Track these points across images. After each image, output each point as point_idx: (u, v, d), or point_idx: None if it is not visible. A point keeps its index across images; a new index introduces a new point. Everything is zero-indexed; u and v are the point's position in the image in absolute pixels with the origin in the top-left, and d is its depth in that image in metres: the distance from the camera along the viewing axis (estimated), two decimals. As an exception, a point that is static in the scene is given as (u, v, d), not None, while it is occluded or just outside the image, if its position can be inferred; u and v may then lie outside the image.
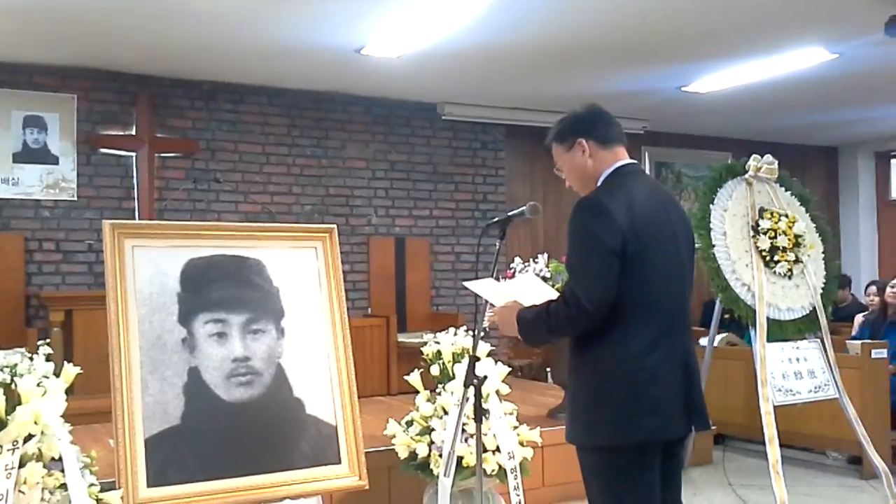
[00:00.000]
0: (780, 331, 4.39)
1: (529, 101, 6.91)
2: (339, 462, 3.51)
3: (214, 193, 6.08)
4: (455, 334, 3.74)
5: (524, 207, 2.54)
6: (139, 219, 5.62)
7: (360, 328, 5.95)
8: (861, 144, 9.57)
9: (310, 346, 3.62)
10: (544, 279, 4.75)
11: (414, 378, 3.72)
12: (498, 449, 3.46)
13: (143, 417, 3.19)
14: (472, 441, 3.42)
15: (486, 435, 3.45)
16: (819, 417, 5.07)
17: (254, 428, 3.38)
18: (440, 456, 3.41)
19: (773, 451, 4.09)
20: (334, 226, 3.84)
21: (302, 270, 3.73)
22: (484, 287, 2.52)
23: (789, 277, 4.45)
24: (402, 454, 3.54)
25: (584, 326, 2.11)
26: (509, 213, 2.58)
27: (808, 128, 8.65)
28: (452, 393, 3.52)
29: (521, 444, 3.57)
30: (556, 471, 4.24)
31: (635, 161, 2.32)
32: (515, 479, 3.41)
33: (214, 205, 6.08)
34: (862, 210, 9.89)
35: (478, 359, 2.60)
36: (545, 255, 4.96)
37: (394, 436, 3.61)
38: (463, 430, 3.44)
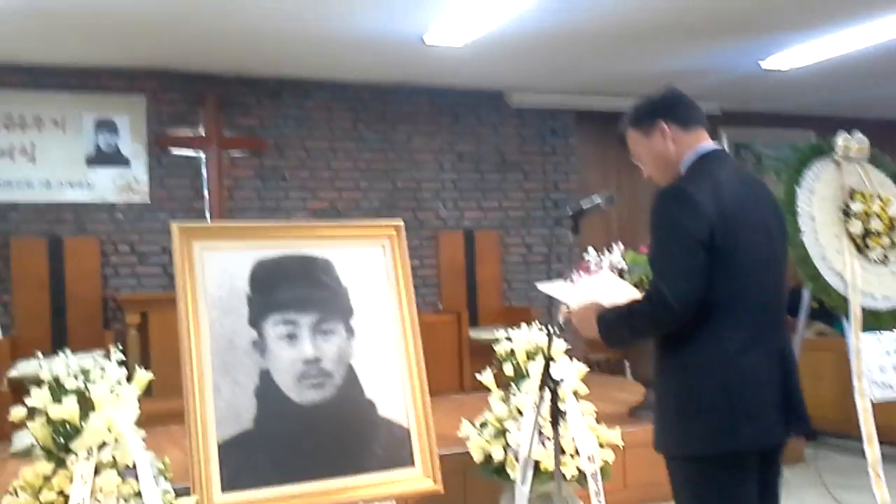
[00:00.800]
0: (876, 321, 4.14)
1: (599, 85, 6.72)
2: (413, 465, 3.46)
3: (283, 191, 6.10)
4: (529, 330, 3.64)
5: (598, 199, 2.42)
6: (210, 219, 5.68)
7: (430, 324, 5.87)
8: None
9: (380, 346, 3.58)
10: (620, 272, 4.60)
11: (487, 377, 3.63)
12: (577, 452, 3.35)
13: (216, 421, 3.19)
14: (550, 444, 3.32)
15: (563, 437, 3.34)
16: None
17: (326, 431, 3.36)
18: (516, 460, 3.32)
19: (872, 450, 3.86)
20: (401, 221, 3.79)
21: (370, 268, 3.69)
22: (559, 289, 2.42)
23: (885, 264, 4.19)
24: (477, 457, 3.46)
25: (670, 326, 1.98)
26: (583, 206, 2.46)
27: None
28: (527, 393, 3.42)
29: (602, 446, 3.46)
30: (638, 472, 4.10)
31: (719, 145, 2.17)
32: (596, 483, 3.30)
33: (283, 202, 6.10)
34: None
35: (552, 360, 2.50)
36: (620, 245, 4.80)
37: (468, 438, 3.53)
38: (540, 433, 3.35)
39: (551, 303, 2.45)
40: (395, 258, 3.73)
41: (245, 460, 3.20)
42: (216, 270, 3.40)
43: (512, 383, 3.55)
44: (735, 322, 1.99)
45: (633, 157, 2.27)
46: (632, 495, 4.17)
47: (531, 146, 6.92)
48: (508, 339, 3.64)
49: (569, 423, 3.39)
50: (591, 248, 4.85)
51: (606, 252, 4.80)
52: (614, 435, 3.50)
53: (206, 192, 5.80)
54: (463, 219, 6.65)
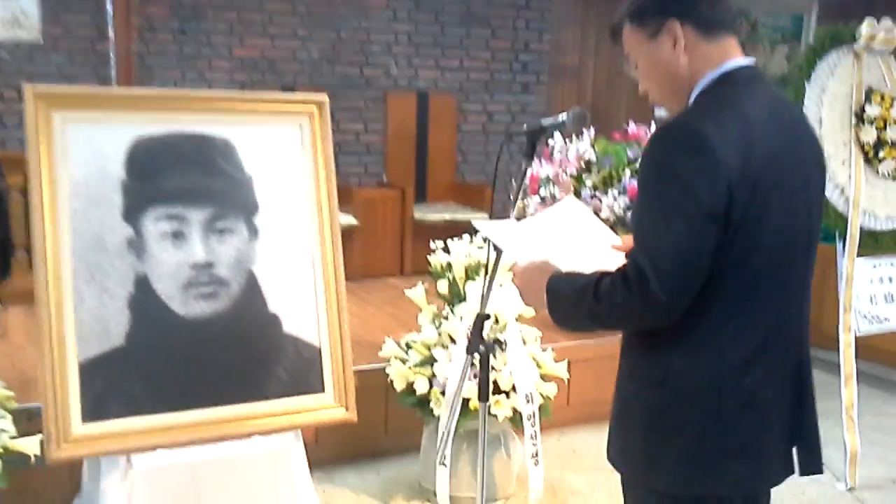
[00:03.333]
0: (875, 244, 3.69)
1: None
2: (323, 390, 3.01)
3: (205, 35, 5.31)
4: (471, 241, 3.11)
5: (564, 117, 1.83)
6: (116, 66, 4.92)
7: (371, 199, 5.34)
8: None
9: (290, 250, 3.03)
10: (587, 163, 4.05)
11: (416, 293, 3.14)
12: (514, 389, 2.91)
13: (78, 337, 2.67)
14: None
15: (500, 371, 2.90)
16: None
17: (218, 350, 2.87)
18: (442, 394, 2.89)
19: (850, 392, 3.52)
20: (325, 96, 3.14)
21: (282, 153, 3.08)
22: (502, 231, 1.86)
23: (894, 178, 3.69)
24: (399, 385, 3.03)
25: (651, 322, 1.48)
26: (544, 124, 1.87)
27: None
28: (461, 319, 2.94)
29: (544, 378, 3.03)
30: (582, 388, 3.74)
31: (752, 61, 1.57)
32: (533, 426, 2.90)
33: (205, 49, 5.33)
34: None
35: (486, 318, 1.98)
36: (591, 131, 4.22)
37: (388, 362, 3.08)
38: (472, 365, 2.89)
39: (491, 251, 1.89)
40: (314, 141, 3.12)
41: (113, 384, 2.71)
42: (82, 149, 2.77)
43: (446, 304, 3.06)
44: (743, 323, 1.49)
45: (627, 64, 1.67)
46: (575, 414, 3.84)
47: (502, -2, 6.13)
48: (445, 250, 3.12)
49: (508, 355, 2.94)
50: (556, 134, 4.25)
51: (573, 139, 4.22)
52: (560, 368, 3.07)
53: (110, 32, 5.00)
54: (417, 78, 5.95)
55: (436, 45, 5.95)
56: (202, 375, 2.83)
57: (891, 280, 3.79)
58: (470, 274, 3.04)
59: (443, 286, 3.08)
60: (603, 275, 1.50)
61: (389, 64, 5.81)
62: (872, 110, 3.59)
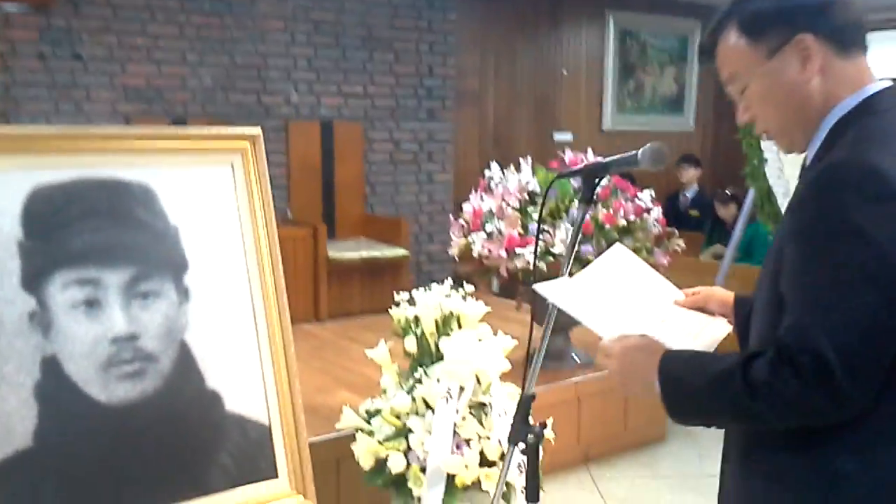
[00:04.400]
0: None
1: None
2: (276, 475, 2.56)
3: (81, 64, 4.70)
4: (447, 292, 2.75)
5: (639, 153, 1.52)
6: (-27, 96, 4.25)
7: (280, 239, 4.85)
8: None
9: (228, 312, 2.57)
10: (530, 195, 3.78)
11: (379, 353, 2.74)
12: (503, 458, 2.56)
13: (-29, 442, 2.13)
14: (468, 450, 2.52)
15: (488, 439, 2.55)
16: None
17: (149, 441, 2.37)
18: (423, 471, 2.50)
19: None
20: (258, 130, 2.72)
21: (212, 198, 2.62)
22: (571, 295, 1.52)
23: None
24: (366, 463, 2.61)
25: (831, 420, 1.17)
26: (611, 159, 1.57)
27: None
28: (439, 381, 2.57)
29: (528, 441, 2.69)
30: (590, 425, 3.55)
31: (890, 82, 1.30)
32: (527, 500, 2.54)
33: (82, 77, 4.72)
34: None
35: (533, 398, 1.65)
36: (528, 160, 3.95)
37: (353, 436, 2.67)
38: (455, 434, 2.53)
39: (543, 313, 1.56)
40: (248, 183, 2.69)
41: (20, 498, 2.17)
42: (-36, 203, 2.23)
43: (418, 366, 2.67)
44: None
45: (727, 86, 1.36)
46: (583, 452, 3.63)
47: (404, 20, 5.82)
48: (410, 301, 2.74)
49: (492, 420, 2.59)
50: (493, 164, 3.97)
51: (508, 170, 3.94)
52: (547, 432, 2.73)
53: (-34, 59, 4.33)
54: (319, 106, 5.53)
55: (338, 70, 5.56)
56: (131, 474, 2.33)
57: None
58: (442, 328, 2.67)
59: (411, 344, 2.69)
60: (747, 359, 1.19)
61: (289, 91, 5.36)
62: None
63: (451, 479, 2.49)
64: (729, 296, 1.58)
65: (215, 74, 5.09)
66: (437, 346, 2.66)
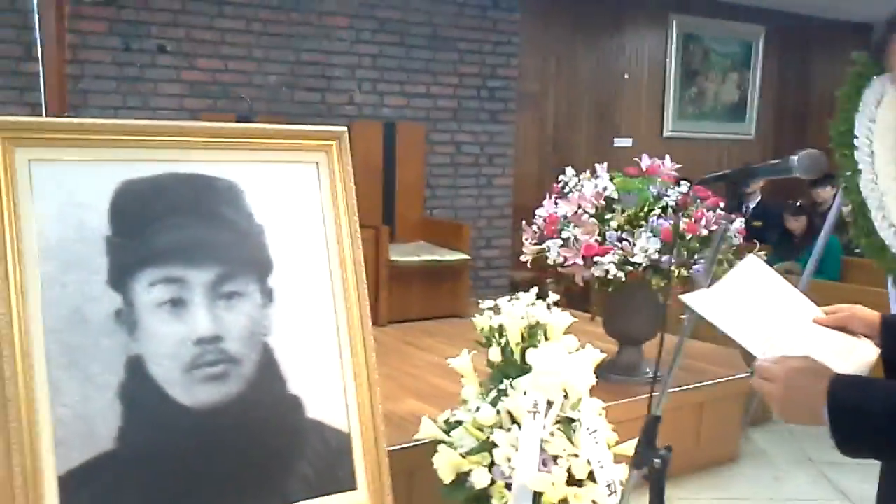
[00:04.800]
0: (927, 285, 3.44)
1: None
2: (355, 487, 2.48)
3: (149, 55, 4.68)
4: (523, 300, 2.65)
5: (795, 159, 1.42)
6: (44, 89, 4.24)
7: (341, 241, 4.79)
8: None
9: (311, 316, 2.51)
10: (608, 201, 3.66)
11: (462, 363, 2.65)
12: (591, 478, 2.46)
13: (55, 442, 2.08)
14: (556, 467, 2.42)
15: (576, 457, 2.44)
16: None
17: (229, 446, 2.31)
18: (507, 488, 2.40)
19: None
20: (344, 129, 2.65)
21: (297, 198, 2.56)
22: (715, 305, 1.43)
23: (945, 213, 3.44)
24: (447, 477, 2.52)
25: None
26: (761, 165, 1.47)
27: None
28: (526, 393, 2.47)
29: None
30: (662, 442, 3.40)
31: None
32: (615, 521, 2.44)
33: (149, 71, 4.70)
34: None
35: (658, 420, 1.55)
36: (604, 166, 3.84)
37: (427, 447, 2.59)
38: (541, 451, 2.44)
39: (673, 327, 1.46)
40: (334, 183, 2.62)
41: (104, 499, 2.12)
42: (54, 196, 2.19)
43: (504, 378, 2.58)
44: None
45: None
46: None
47: (469, 19, 5.73)
48: (493, 309, 2.65)
49: (580, 437, 2.49)
50: (568, 169, 3.86)
51: (584, 175, 3.83)
52: (629, 447, 2.62)
53: (39, 51, 4.32)
54: (383, 106, 5.46)
55: (401, 70, 5.49)
56: (213, 479, 2.27)
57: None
58: (528, 339, 2.58)
59: (495, 354, 2.60)
60: None
61: (353, 90, 5.30)
62: (926, 142, 3.34)
63: (536, 497, 2.40)
64: (874, 315, 1.47)
65: (280, 71, 5.05)
66: (522, 356, 2.56)
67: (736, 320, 1.41)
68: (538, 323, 2.58)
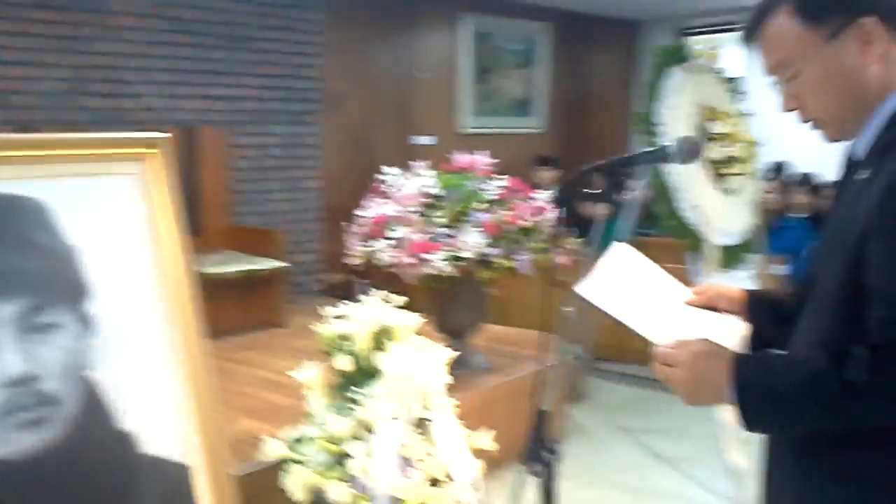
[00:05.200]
0: (725, 258, 3.70)
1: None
2: (203, 520, 2.27)
3: None
4: (369, 303, 2.54)
5: (671, 146, 1.43)
6: None
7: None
8: (663, 20, 9.03)
9: (139, 341, 2.26)
10: (435, 197, 3.63)
11: (308, 375, 2.51)
12: (450, 477, 2.40)
13: None
14: (415, 472, 2.34)
15: (434, 458, 2.38)
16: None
17: (58, 496, 2.03)
18: (368, 500, 2.29)
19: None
20: (167, 135, 2.42)
21: (117, 213, 2.30)
22: (611, 292, 1.42)
23: (737, 194, 3.73)
24: (301, 495, 2.37)
25: None
26: (638, 153, 1.47)
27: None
28: (380, 401, 2.37)
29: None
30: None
31: None
32: (479, 519, 2.41)
33: None
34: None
35: (545, 415, 1.52)
36: (424, 163, 3.81)
37: (270, 469, 2.42)
38: (399, 456, 2.35)
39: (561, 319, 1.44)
40: (157, 194, 2.38)
41: None
42: None
43: (350, 385, 2.46)
44: None
45: (775, 72, 1.28)
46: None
47: (271, 18, 5.48)
48: (340, 317, 2.52)
49: (433, 435, 2.43)
50: (387, 168, 3.79)
51: (404, 174, 3.77)
52: (485, 439, 2.61)
53: None
54: (179, 110, 5.10)
55: (200, 72, 5.15)
56: (39, 538, 1.98)
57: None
58: (378, 344, 2.47)
59: (344, 363, 2.47)
60: (836, 358, 1.11)
61: (147, 94, 4.91)
62: (718, 127, 3.59)
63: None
64: (737, 293, 1.52)
65: (65, 75, 4.56)
66: (370, 363, 2.46)
67: (626, 308, 1.40)
68: (386, 327, 2.49)
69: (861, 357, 1.10)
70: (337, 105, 6.20)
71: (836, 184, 1.38)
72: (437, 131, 7.17)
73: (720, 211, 3.60)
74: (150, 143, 2.38)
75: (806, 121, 1.30)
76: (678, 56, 3.63)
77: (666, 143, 1.48)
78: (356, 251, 3.61)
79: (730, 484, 3.35)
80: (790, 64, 1.24)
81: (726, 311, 1.51)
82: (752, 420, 1.20)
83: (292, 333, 4.73)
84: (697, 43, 3.76)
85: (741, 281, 3.89)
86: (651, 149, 1.51)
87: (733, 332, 1.47)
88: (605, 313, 1.40)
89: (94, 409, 2.13)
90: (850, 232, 1.18)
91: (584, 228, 6.23)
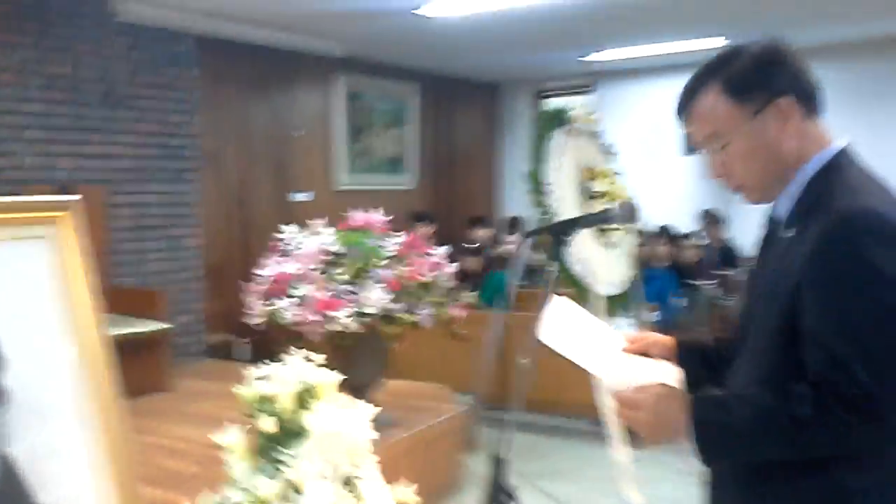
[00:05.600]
0: (609, 308, 3.91)
1: (226, 6, 5.45)
2: None
3: None
4: (292, 362, 2.51)
5: (613, 209, 1.56)
6: None
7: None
8: (521, 83, 9.50)
9: (55, 414, 2.13)
10: (335, 255, 3.64)
11: (230, 438, 2.43)
12: (381, 534, 2.39)
13: None
14: (349, 531, 2.31)
15: (363, 517, 2.36)
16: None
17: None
18: (303, 564, 2.24)
19: (619, 447, 3.61)
20: (77, 197, 2.32)
21: (24, 280, 2.17)
22: (564, 339, 1.51)
23: (615, 247, 3.96)
24: (230, 566, 2.27)
25: (871, 444, 1.27)
26: (582, 216, 1.59)
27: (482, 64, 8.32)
28: (308, 460, 2.33)
29: (393, 511, 2.55)
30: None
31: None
32: (410, 573, 2.40)
33: None
34: (520, 148, 10.00)
35: (504, 463, 1.59)
36: (324, 220, 3.82)
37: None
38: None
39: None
40: (64, 257, 2.28)
41: None
42: None
43: (276, 445, 2.41)
44: None
45: (705, 143, 1.42)
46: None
47: (146, 76, 5.36)
48: (262, 378, 2.47)
49: (364, 494, 2.41)
50: (287, 227, 3.78)
51: (303, 231, 3.77)
52: (408, 492, 2.61)
53: None
54: (55, 168, 4.87)
55: (75, 129, 4.95)
56: None
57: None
58: (302, 403, 2.44)
59: (268, 423, 2.42)
60: (783, 394, 1.25)
61: (21, 152, 4.65)
62: (599, 186, 3.82)
63: (336, 567, 2.27)
64: (668, 340, 1.65)
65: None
66: (298, 423, 2.42)
67: (582, 354, 1.50)
68: (309, 385, 2.46)
69: (804, 394, 1.24)
70: (214, 162, 6.10)
71: (761, 239, 1.53)
72: (314, 187, 7.18)
73: (603, 263, 3.81)
74: (59, 207, 2.29)
75: (732, 186, 1.45)
76: (559, 119, 3.85)
77: (608, 207, 1.59)
78: (257, 310, 3.55)
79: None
80: (720, 136, 1.40)
81: (660, 357, 1.63)
82: (709, 452, 1.32)
83: (180, 397, 4.57)
84: (576, 107, 3.97)
85: (624, 328, 4.12)
86: (596, 213, 1.62)
87: (670, 377, 1.59)
88: (566, 358, 1.49)
89: (11, 486, 1.99)
90: (784, 284, 1.33)
91: (465, 282, 6.37)
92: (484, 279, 6.29)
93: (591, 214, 1.65)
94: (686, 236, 6.48)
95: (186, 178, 5.63)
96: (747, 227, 7.94)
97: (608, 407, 3.31)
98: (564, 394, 4.71)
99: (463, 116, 9.12)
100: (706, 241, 6.68)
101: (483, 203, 9.42)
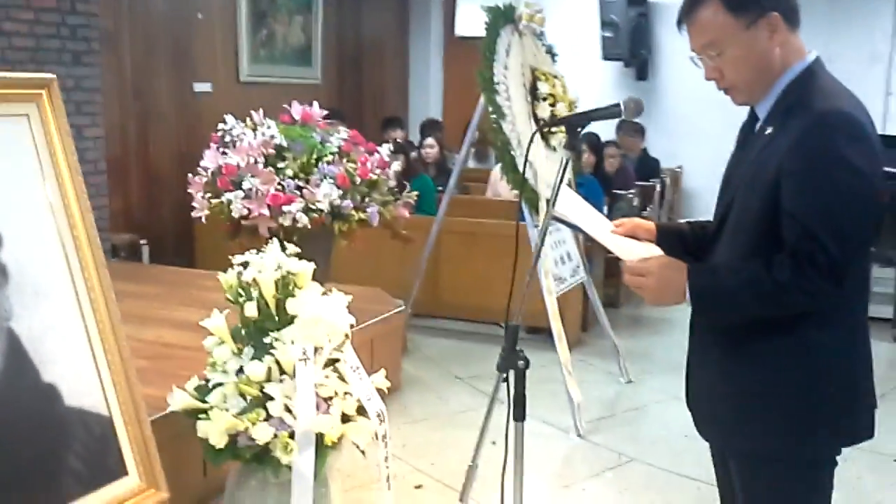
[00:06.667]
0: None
1: None
2: (126, 472, 2.42)
3: None
4: (269, 250, 2.77)
5: (622, 105, 1.90)
6: None
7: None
8: None
9: (50, 290, 2.34)
10: (277, 150, 3.83)
11: (215, 323, 2.70)
12: (361, 411, 2.74)
13: None
14: (332, 408, 2.66)
15: (348, 395, 2.71)
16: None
17: (-11, 452, 2.09)
18: (291, 437, 2.57)
19: (564, 349, 4.07)
20: (53, 76, 2.48)
21: (11, 156, 2.33)
22: (582, 213, 1.86)
23: (554, 151, 4.33)
24: (217, 441, 2.58)
25: (827, 302, 1.67)
26: (594, 110, 1.94)
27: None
28: (293, 342, 2.64)
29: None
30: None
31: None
32: (386, 447, 2.78)
33: None
34: (432, 46, 10.17)
35: (518, 329, 1.96)
36: (260, 113, 3.98)
37: (175, 416, 2.62)
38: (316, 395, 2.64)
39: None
40: (49, 135, 2.46)
41: None
42: None
43: (258, 334, 2.69)
44: (865, 291, 1.79)
45: (703, 50, 1.77)
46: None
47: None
48: (243, 265, 2.74)
49: (346, 376, 2.76)
50: (228, 117, 3.92)
51: (239, 122, 3.93)
52: (380, 378, 2.96)
53: None
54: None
55: (-33, 2, 4.82)
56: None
57: (563, 242, 4.46)
58: (283, 290, 2.71)
59: (251, 309, 2.68)
60: (766, 263, 1.63)
61: None
62: (543, 87, 4.15)
63: (318, 439, 2.60)
64: (651, 225, 2.01)
65: None
66: (281, 308, 2.71)
67: (593, 230, 1.88)
68: (290, 273, 2.74)
69: (784, 262, 1.62)
70: (110, 46, 6.03)
71: (739, 139, 1.91)
72: (217, 78, 7.18)
73: (547, 167, 4.17)
74: (39, 84, 2.43)
75: (722, 87, 1.80)
76: (507, 17, 4.13)
77: (619, 102, 1.92)
78: (202, 203, 3.72)
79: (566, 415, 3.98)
80: (716, 45, 1.74)
81: (645, 240, 2.00)
82: (704, 311, 1.73)
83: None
84: (524, 5, 4.25)
85: (562, 232, 4.53)
86: (605, 107, 1.95)
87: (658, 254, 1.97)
88: (580, 230, 1.85)
89: (17, 361, 2.20)
90: (764, 173, 1.69)
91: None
92: (409, 183, 6.53)
93: (603, 108, 1.97)
94: (606, 144, 6.93)
95: (87, 62, 5.56)
96: (659, 139, 8.43)
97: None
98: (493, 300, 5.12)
99: (369, 9, 9.16)
100: (622, 151, 7.15)
101: (394, 103, 9.58)
